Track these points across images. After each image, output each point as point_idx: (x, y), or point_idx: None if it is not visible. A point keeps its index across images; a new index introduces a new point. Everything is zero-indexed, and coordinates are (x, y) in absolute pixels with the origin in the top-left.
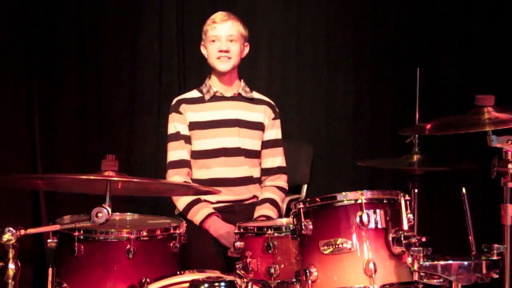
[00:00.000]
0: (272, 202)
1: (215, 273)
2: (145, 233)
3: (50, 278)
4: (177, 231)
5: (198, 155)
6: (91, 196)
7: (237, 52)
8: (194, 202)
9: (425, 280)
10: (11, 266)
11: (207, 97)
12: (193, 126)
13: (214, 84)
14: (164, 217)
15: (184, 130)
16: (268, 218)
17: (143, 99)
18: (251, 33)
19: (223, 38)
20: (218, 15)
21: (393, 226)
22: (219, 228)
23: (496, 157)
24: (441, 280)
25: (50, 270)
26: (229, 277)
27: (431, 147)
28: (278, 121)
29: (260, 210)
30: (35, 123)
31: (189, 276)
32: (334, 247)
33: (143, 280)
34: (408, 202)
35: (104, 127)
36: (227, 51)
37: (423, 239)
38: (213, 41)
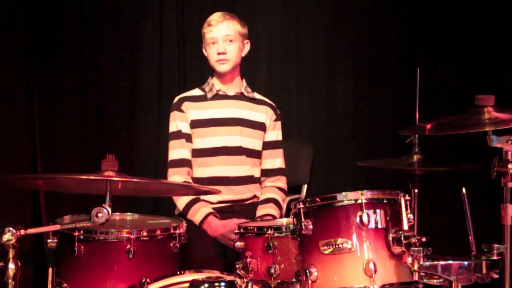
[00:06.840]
0: (276, 202)
1: (215, 273)
2: (145, 233)
3: (50, 278)
4: (177, 231)
5: (198, 153)
6: (91, 196)
7: (236, 52)
8: (193, 201)
9: (425, 280)
10: (11, 266)
11: (209, 95)
12: (195, 124)
13: (216, 83)
14: (164, 217)
15: (186, 129)
16: (274, 217)
17: (143, 99)
18: (251, 34)
19: (220, 40)
20: (213, 17)
21: (393, 226)
22: (216, 230)
23: (496, 157)
24: (441, 280)
25: (50, 270)
26: (229, 277)
27: (431, 147)
28: (279, 123)
29: (265, 209)
30: (35, 123)
31: (189, 276)
32: (334, 247)
33: (143, 280)
34: (408, 202)
35: (104, 127)
36: (224, 53)
37: (423, 239)
38: (211, 43)
